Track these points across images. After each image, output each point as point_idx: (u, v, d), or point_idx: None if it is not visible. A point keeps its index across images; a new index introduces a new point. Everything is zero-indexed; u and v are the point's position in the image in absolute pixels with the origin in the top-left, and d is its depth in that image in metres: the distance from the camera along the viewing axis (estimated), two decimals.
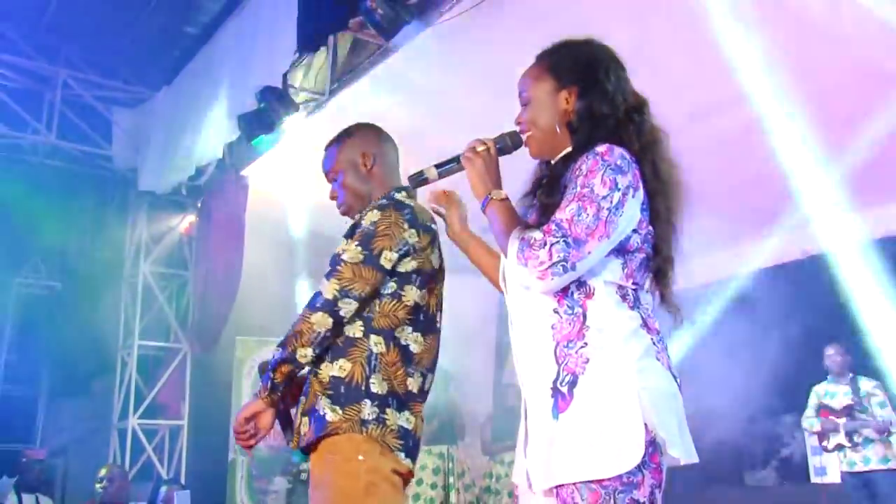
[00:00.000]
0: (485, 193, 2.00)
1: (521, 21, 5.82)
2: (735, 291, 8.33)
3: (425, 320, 2.50)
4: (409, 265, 2.45)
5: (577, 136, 2.01)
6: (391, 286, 2.44)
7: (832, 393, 6.38)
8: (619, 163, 1.85)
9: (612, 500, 1.75)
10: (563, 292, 1.88)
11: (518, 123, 2.10)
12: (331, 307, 2.36)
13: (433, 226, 2.54)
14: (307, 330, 2.35)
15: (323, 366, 2.41)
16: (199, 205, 8.61)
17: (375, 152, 2.68)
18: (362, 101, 6.55)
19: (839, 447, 6.17)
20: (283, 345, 2.38)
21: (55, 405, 8.15)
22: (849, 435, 6.12)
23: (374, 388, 2.37)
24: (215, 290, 8.17)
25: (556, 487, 1.82)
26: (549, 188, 1.99)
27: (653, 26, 5.87)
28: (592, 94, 2.01)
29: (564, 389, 1.83)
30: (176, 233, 8.90)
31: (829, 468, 7.78)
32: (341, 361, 2.40)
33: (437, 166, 2.13)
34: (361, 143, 2.70)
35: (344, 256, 2.40)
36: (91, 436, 8.24)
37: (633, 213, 1.87)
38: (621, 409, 1.79)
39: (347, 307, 2.37)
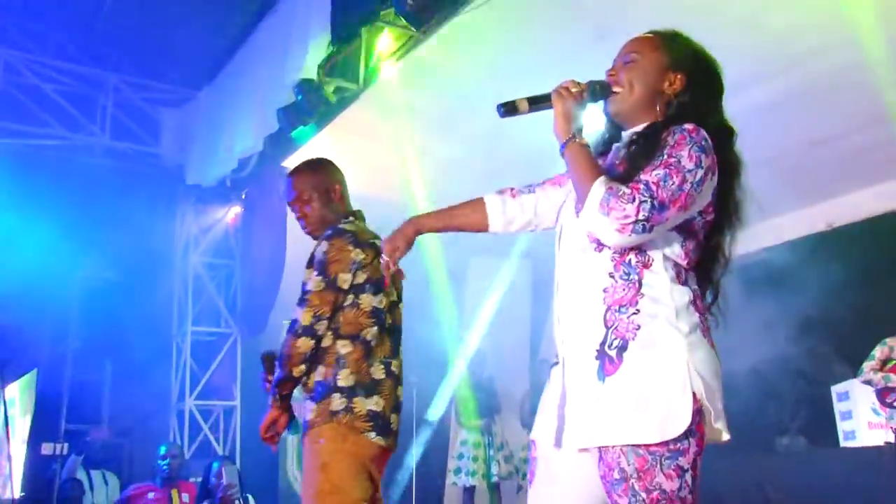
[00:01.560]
0: (568, 134, 1.91)
1: (550, 9, 5.78)
2: (766, 261, 8.24)
3: (383, 320, 2.92)
4: (360, 277, 2.87)
5: (668, 116, 1.98)
6: (349, 298, 2.86)
7: None
8: (703, 143, 1.84)
9: (658, 466, 1.73)
10: (622, 257, 1.85)
11: (611, 76, 2.03)
12: (310, 332, 2.81)
13: (376, 241, 2.94)
14: (295, 353, 2.80)
15: (311, 374, 2.87)
16: (244, 196, 8.63)
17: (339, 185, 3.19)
18: (395, 90, 6.53)
19: None
20: (281, 366, 2.82)
21: (118, 389, 8.24)
22: None
23: (341, 383, 2.79)
24: (261, 278, 8.19)
25: (600, 450, 1.80)
26: (644, 149, 1.92)
27: (687, 6, 5.85)
28: (699, 90, 2.00)
29: (613, 353, 1.80)
30: (222, 224, 8.92)
31: (858, 432, 7.67)
32: (320, 367, 2.85)
33: (528, 100, 2.00)
34: (325, 174, 3.19)
35: (309, 286, 2.84)
36: (152, 417, 8.33)
37: (707, 193, 1.87)
38: (671, 377, 1.77)
39: (322, 327, 2.82)
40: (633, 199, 1.75)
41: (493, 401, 8.20)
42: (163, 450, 6.63)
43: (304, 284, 2.87)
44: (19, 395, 7.80)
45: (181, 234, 8.79)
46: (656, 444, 1.73)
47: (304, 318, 2.80)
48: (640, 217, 1.74)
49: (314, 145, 7.44)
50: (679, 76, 1.99)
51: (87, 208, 7.57)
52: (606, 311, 1.84)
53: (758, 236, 8.52)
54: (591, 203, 1.79)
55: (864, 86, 6.63)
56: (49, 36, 7.58)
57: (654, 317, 1.81)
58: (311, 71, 6.03)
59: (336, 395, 2.77)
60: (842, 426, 7.89)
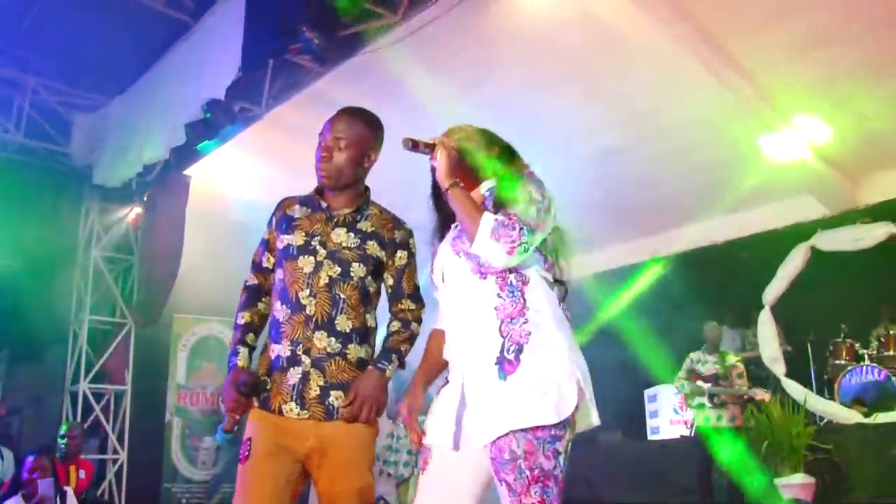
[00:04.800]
0: (451, 179, 2.10)
1: (430, 61, 6.06)
2: (598, 284, 8.74)
3: None
4: None
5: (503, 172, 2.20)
6: None
7: (703, 361, 6.66)
8: (539, 181, 2.09)
9: (542, 449, 1.88)
10: (504, 280, 2.02)
11: (455, 143, 2.22)
12: None
13: None
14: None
15: (352, 347, 2.41)
16: (146, 198, 8.51)
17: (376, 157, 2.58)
18: (292, 115, 6.67)
19: (700, 406, 6.50)
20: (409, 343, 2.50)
21: (13, 370, 8.04)
22: (711, 397, 6.47)
23: None
24: (157, 274, 8.16)
25: (495, 439, 1.91)
26: (501, 188, 2.12)
27: (540, 66, 6.30)
28: (509, 155, 2.23)
29: (511, 356, 1.94)
30: (124, 222, 8.81)
31: (661, 428, 8.35)
32: (366, 347, 2.46)
33: (423, 143, 2.18)
34: (378, 142, 2.56)
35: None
36: (45, 397, 8.13)
37: (553, 218, 2.08)
38: (560, 370, 1.94)
39: None
40: (514, 227, 1.95)
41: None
42: (63, 428, 6.35)
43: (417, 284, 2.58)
44: None
45: (84, 229, 8.61)
46: (542, 430, 1.87)
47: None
48: (523, 240, 1.95)
49: (215, 158, 7.56)
50: (496, 148, 2.23)
51: None
52: (501, 324, 1.98)
53: (594, 262, 9.15)
54: (483, 233, 1.97)
55: (684, 141, 7.38)
56: None
57: (540, 325, 1.97)
58: (219, 91, 6.08)
59: None
60: (650, 423, 8.56)
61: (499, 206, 2.06)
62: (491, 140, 2.25)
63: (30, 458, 5.28)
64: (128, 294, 8.74)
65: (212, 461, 8.69)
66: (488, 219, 1.97)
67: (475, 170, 2.21)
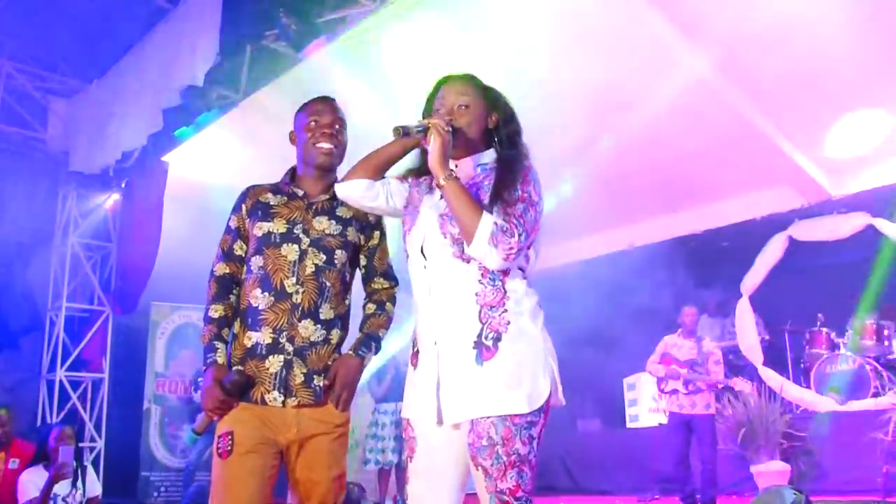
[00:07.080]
0: (446, 167, 2.02)
1: (404, 48, 6.16)
2: (582, 272, 8.80)
3: None
4: None
5: (500, 149, 2.16)
6: None
7: (679, 345, 6.56)
8: (537, 177, 2.06)
9: (518, 435, 1.91)
10: (486, 268, 2.01)
11: (451, 121, 2.11)
12: None
13: None
14: None
15: (334, 333, 2.47)
16: (124, 185, 8.48)
17: None
18: (270, 101, 6.64)
19: (674, 391, 6.41)
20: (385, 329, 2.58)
21: None
22: (686, 383, 6.36)
23: None
24: (135, 261, 8.13)
25: (472, 422, 1.94)
26: (503, 182, 2.03)
27: (514, 56, 6.30)
28: (510, 123, 2.18)
29: (489, 343, 1.97)
30: (102, 209, 8.74)
31: (640, 416, 8.43)
32: (344, 331, 2.51)
33: (414, 128, 2.07)
34: None
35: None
36: (21, 385, 8.07)
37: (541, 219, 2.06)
38: (535, 361, 1.98)
39: None
40: (514, 234, 1.93)
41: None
42: None
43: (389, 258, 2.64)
44: None
45: (61, 216, 8.54)
46: (519, 417, 1.91)
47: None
48: (519, 247, 1.94)
49: (193, 144, 7.53)
50: (495, 115, 2.17)
51: None
52: (480, 310, 1.99)
53: (574, 251, 9.21)
54: (480, 236, 1.93)
55: (660, 136, 7.43)
56: None
57: (520, 314, 2.00)
58: (197, 78, 6.05)
59: None
60: (629, 411, 8.65)
61: (495, 193, 2.02)
62: (493, 104, 2.18)
63: (56, 428, 5.25)
64: (105, 281, 8.71)
65: (190, 449, 8.69)
66: (487, 221, 1.94)
67: (470, 143, 2.15)
